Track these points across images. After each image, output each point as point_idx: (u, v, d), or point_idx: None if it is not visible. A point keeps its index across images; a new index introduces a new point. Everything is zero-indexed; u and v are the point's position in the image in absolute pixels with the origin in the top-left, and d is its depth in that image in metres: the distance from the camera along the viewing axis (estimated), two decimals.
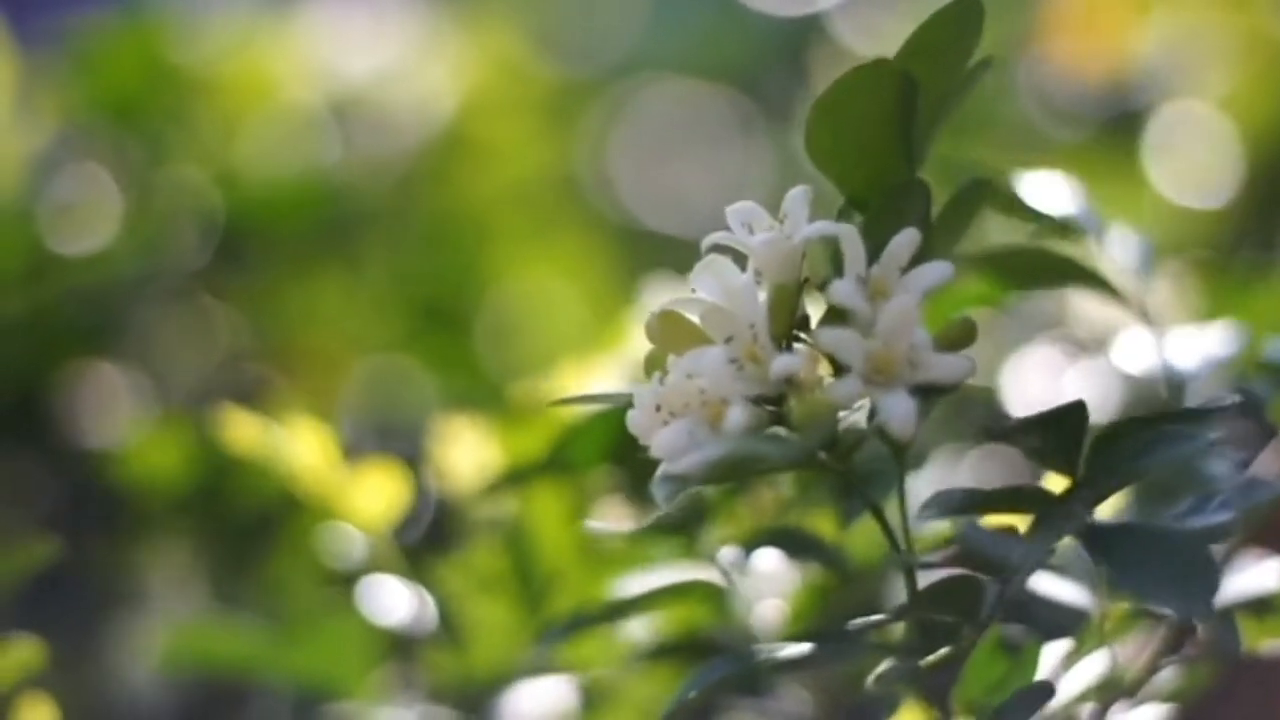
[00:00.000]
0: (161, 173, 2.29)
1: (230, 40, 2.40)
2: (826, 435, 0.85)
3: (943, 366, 0.86)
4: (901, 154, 0.90)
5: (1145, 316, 1.08)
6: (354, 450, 1.40)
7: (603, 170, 2.76)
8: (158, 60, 2.34)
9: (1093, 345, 1.37)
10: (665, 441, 0.86)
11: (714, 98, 2.91)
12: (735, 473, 0.88)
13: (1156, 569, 0.84)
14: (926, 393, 0.86)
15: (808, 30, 2.78)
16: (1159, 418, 0.90)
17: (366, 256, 2.38)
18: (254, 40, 2.41)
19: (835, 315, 0.88)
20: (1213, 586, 0.83)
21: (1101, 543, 0.86)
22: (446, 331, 2.38)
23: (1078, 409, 0.89)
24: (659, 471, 0.86)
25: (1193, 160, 2.24)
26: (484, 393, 2.16)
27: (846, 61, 2.66)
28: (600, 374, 1.31)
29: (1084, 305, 1.52)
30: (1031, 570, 0.89)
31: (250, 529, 1.93)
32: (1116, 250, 1.10)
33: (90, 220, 2.22)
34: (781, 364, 0.86)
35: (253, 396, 2.23)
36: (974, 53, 0.91)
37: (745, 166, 2.85)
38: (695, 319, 0.89)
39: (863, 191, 0.91)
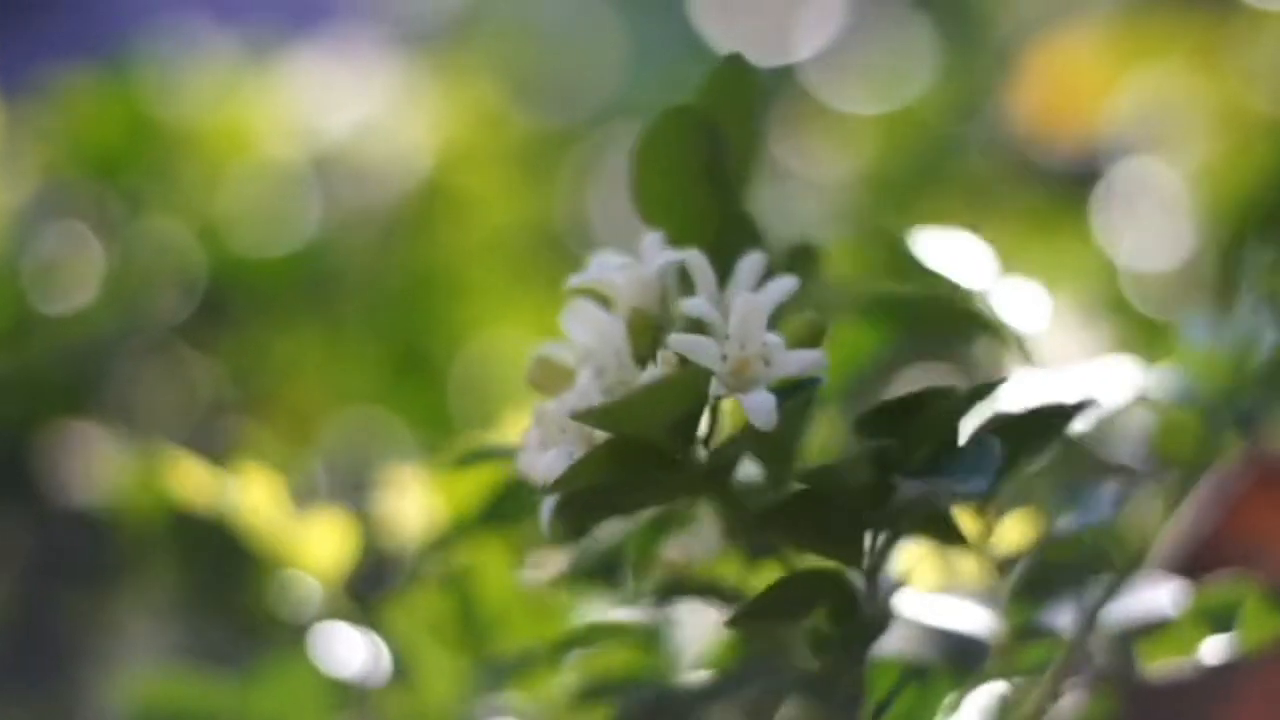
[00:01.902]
0: (143, 227, 2.31)
1: (211, 94, 2.42)
2: (674, 403, 0.88)
3: (795, 361, 0.91)
4: (719, 194, 0.96)
5: (1031, 360, 1.11)
6: (328, 499, 1.42)
7: (580, 218, 2.78)
8: (138, 114, 2.36)
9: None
10: (545, 466, 0.90)
11: None
12: (608, 476, 0.90)
13: (953, 467, 0.91)
14: (788, 390, 0.90)
15: (782, 80, 2.80)
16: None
17: (345, 309, 2.41)
18: (234, 94, 2.43)
19: (691, 327, 0.93)
20: (991, 464, 0.90)
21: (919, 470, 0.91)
22: (422, 383, 2.40)
23: (941, 391, 0.93)
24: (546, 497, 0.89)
25: (1160, 222, 2.25)
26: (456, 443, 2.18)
27: (820, 112, 2.71)
28: None
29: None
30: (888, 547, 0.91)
31: (222, 574, 1.95)
32: (1010, 302, 1.13)
33: (72, 277, 2.24)
34: (644, 377, 0.90)
35: (232, 448, 2.25)
36: (757, 106, 0.97)
37: None
38: (569, 361, 0.94)
39: (688, 234, 0.96)
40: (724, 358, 0.89)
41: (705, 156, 0.93)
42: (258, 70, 2.49)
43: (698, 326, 0.91)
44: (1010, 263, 1.17)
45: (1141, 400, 1.10)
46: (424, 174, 2.52)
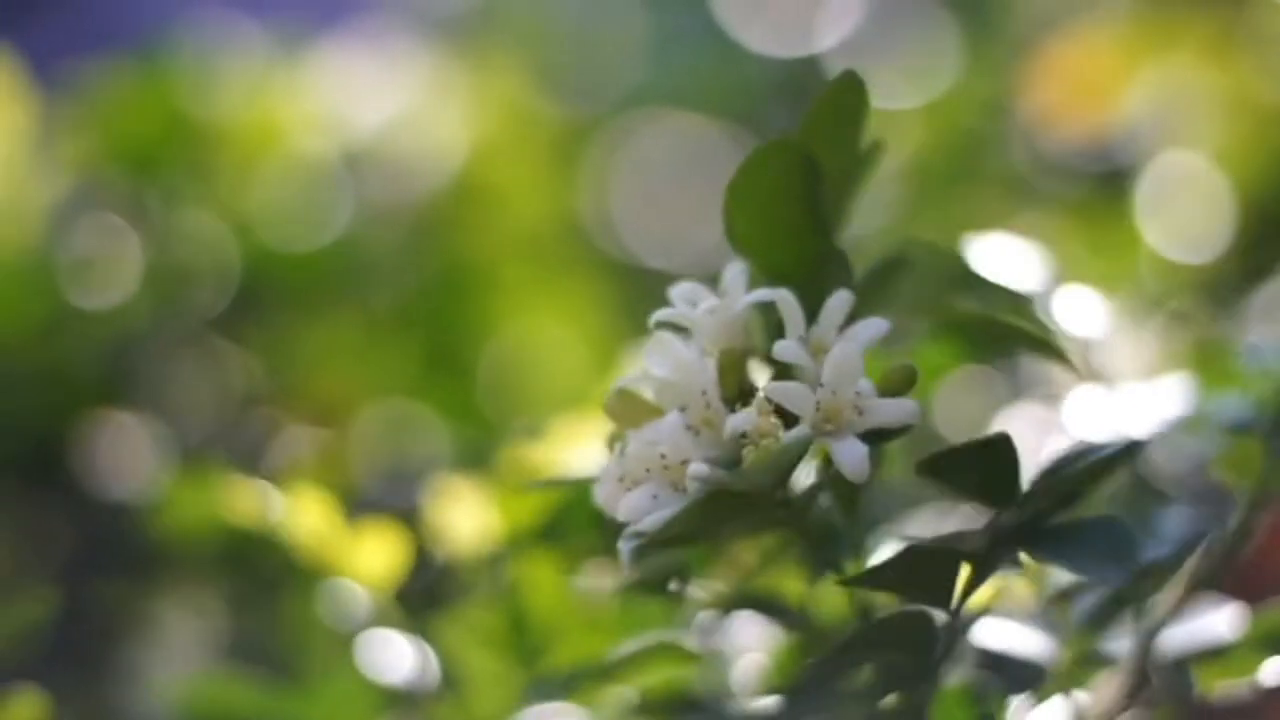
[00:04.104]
0: (177, 222, 2.33)
1: (243, 89, 2.44)
2: (779, 473, 0.89)
3: (888, 411, 0.91)
4: (813, 228, 0.95)
5: (1093, 377, 1.13)
6: (363, 497, 1.44)
7: (606, 208, 2.79)
8: (172, 109, 2.38)
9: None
10: (630, 506, 0.90)
11: (716, 133, 2.94)
12: (698, 527, 0.92)
13: (1083, 547, 0.90)
14: (876, 437, 0.90)
15: (806, 70, 2.81)
16: (1088, 449, 0.94)
17: (377, 303, 2.42)
18: (267, 89, 2.44)
19: (782, 372, 0.93)
20: (1131, 551, 0.89)
21: (1035, 540, 0.92)
22: (452, 375, 2.41)
23: (1004, 440, 0.93)
24: (625, 531, 0.90)
25: (1184, 213, 2.27)
26: (487, 437, 2.20)
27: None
28: (589, 439, 1.36)
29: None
30: (973, 591, 0.93)
31: (265, 580, 1.96)
32: (1069, 314, 1.14)
33: (108, 271, 2.26)
34: (735, 422, 0.90)
35: (266, 440, 2.28)
36: (864, 130, 0.96)
37: None
38: (650, 395, 0.94)
39: (780, 267, 0.96)
40: (816, 404, 0.89)
41: (802, 191, 0.92)
42: (289, 65, 2.50)
43: (789, 371, 0.91)
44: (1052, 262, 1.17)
45: (1203, 423, 1.11)
46: (454, 168, 2.53)
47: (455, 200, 2.51)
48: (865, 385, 0.91)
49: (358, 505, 1.41)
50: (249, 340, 2.34)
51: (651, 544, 0.89)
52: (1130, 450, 0.92)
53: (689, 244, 2.80)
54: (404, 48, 2.72)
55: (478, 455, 2.03)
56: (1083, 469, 0.92)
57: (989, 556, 0.91)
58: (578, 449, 1.35)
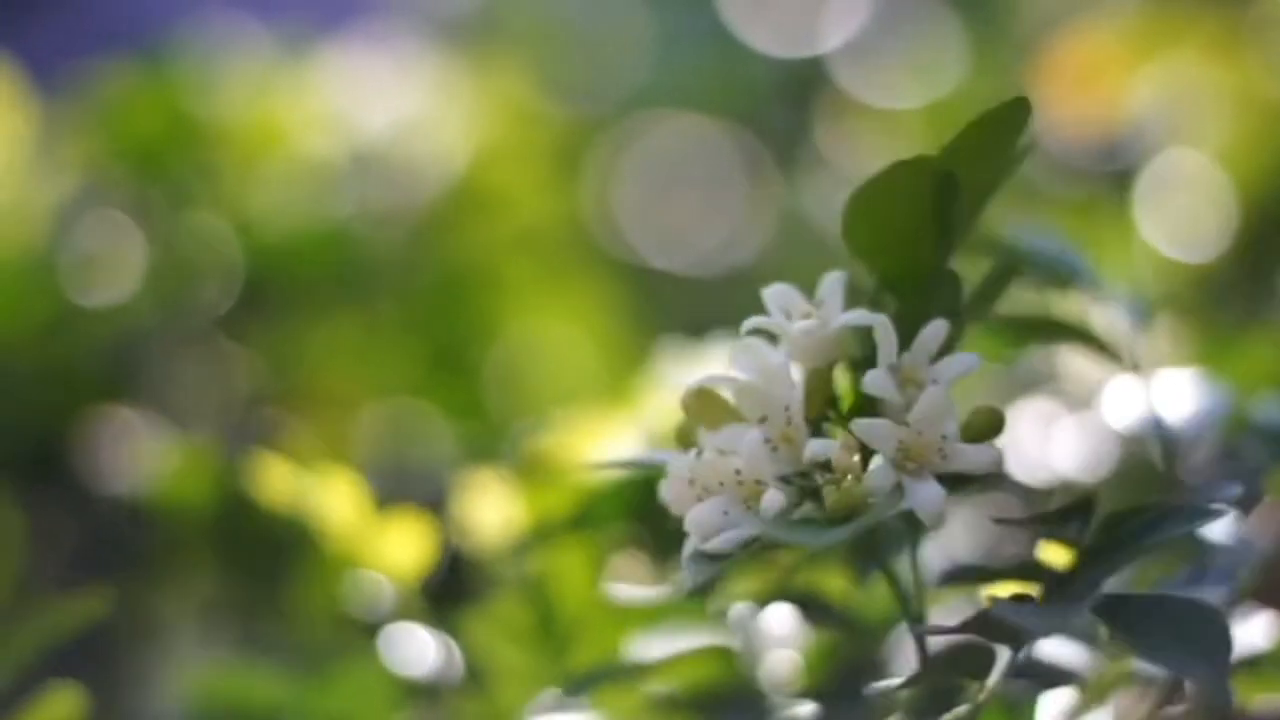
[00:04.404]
0: (182, 221, 2.32)
1: (248, 89, 2.43)
2: (860, 527, 0.87)
3: (971, 457, 0.90)
4: (936, 246, 0.94)
5: (1137, 372, 1.12)
6: (382, 487, 1.44)
7: (610, 209, 2.79)
8: (177, 109, 2.37)
9: (1085, 400, 1.40)
10: (700, 518, 0.89)
11: (719, 133, 2.94)
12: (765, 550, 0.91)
13: (1170, 635, 0.87)
14: (954, 481, 0.89)
15: (810, 71, 2.82)
16: (1164, 501, 0.93)
17: (381, 302, 2.42)
18: (271, 90, 2.44)
19: (869, 402, 0.91)
20: (1226, 648, 0.87)
21: (1114, 612, 0.89)
22: (457, 375, 2.41)
23: (1089, 500, 0.93)
24: (690, 548, 0.89)
25: (1186, 211, 2.27)
26: (492, 436, 2.20)
27: (848, 105, 2.72)
28: (616, 433, 1.35)
29: (1075, 360, 1.55)
30: (1044, 638, 0.93)
31: (272, 569, 1.96)
32: (1111, 305, 1.14)
33: (112, 270, 2.25)
34: (816, 448, 0.89)
35: (270, 439, 2.27)
36: (1013, 154, 0.94)
37: (751, 202, 2.89)
38: (729, 396, 0.92)
39: (896, 280, 0.95)
40: (899, 443, 0.88)
41: (934, 208, 0.91)
42: (294, 66, 2.50)
43: (875, 403, 0.90)
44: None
45: (1243, 425, 1.11)
46: (458, 169, 2.53)
47: (460, 200, 2.51)
48: (951, 429, 0.89)
49: (375, 494, 1.40)
50: (253, 339, 2.34)
51: (713, 561, 0.88)
52: (1209, 517, 0.90)
53: (693, 244, 2.81)
54: (409, 49, 2.72)
55: (482, 454, 2.03)
56: (1156, 536, 0.91)
57: (1061, 621, 0.90)
58: (604, 441, 1.35)
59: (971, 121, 0.92)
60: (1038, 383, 1.63)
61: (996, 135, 0.93)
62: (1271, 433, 1.11)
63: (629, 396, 1.42)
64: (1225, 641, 0.87)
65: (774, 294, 0.95)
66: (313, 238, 2.36)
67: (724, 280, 2.80)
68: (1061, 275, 1.09)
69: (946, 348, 0.93)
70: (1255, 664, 1.04)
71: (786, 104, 2.89)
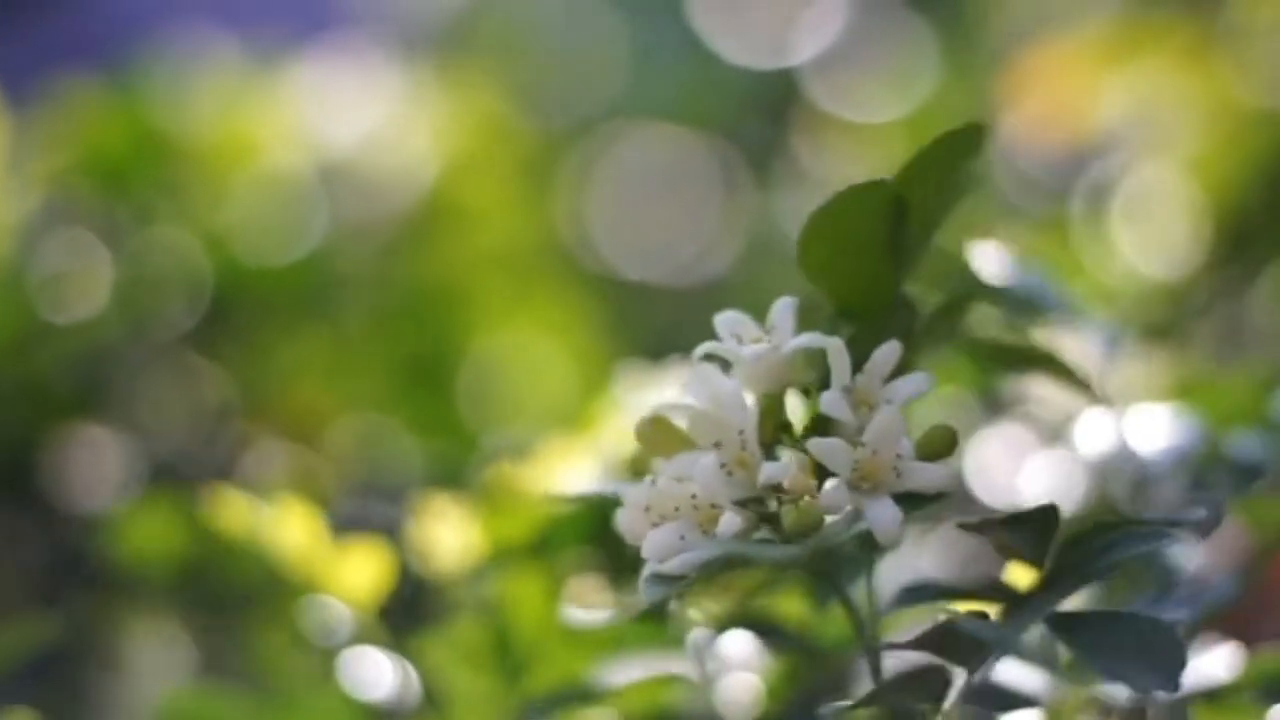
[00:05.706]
0: (150, 237, 2.31)
1: (216, 104, 2.43)
2: (818, 544, 0.88)
3: (926, 475, 0.90)
4: (891, 270, 0.94)
5: (1106, 402, 1.11)
6: (341, 513, 1.43)
7: (584, 221, 2.79)
8: (145, 125, 2.37)
9: (1054, 427, 1.40)
10: (656, 543, 0.89)
11: (692, 145, 2.94)
12: (722, 573, 0.91)
13: (1124, 651, 0.88)
14: (912, 500, 0.89)
15: (782, 83, 2.82)
16: (1125, 520, 0.93)
17: (351, 317, 2.41)
18: (240, 103, 2.43)
19: (822, 424, 0.91)
20: (1180, 664, 0.87)
21: (1070, 629, 0.90)
22: (427, 390, 2.41)
23: (1049, 510, 0.92)
24: (647, 571, 0.89)
25: (1159, 222, 2.26)
26: (463, 452, 2.19)
27: (820, 117, 2.72)
28: (578, 459, 1.34)
29: (1045, 386, 1.55)
30: (1000, 657, 0.92)
31: (237, 599, 1.95)
32: (1083, 333, 1.13)
33: (80, 286, 2.24)
34: (770, 471, 0.89)
35: (239, 455, 2.26)
36: (966, 178, 0.94)
37: (723, 213, 2.88)
38: (682, 424, 0.92)
39: (851, 303, 0.95)
40: (854, 463, 0.89)
41: (886, 233, 0.92)
42: (264, 79, 2.49)
43: (829, 425, 0.90)
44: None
45: (1216, 459, 1.10)
46: (428, 183, 2.52)
47: (431, 214, 2.51)
48: (906, 446, 0.90)
49: (333, 521, 1.40)
50: (222, 355, 2.33)
51: (670, 582, 0.87)
52: (1168, 537, 0.90)
53: (667, 256, 2.80)
54: (380, 61, 2.71)
55: (453, 470, 2.03)
56: (1116, 555, 0.90)
57: (1017, 634, 0.90)
58: (564, 468, 1.34)
59: (925, 145, 0.92)
60: (1007, 407, 1.62)
61: (951, 159, 0.93)
62: (1240, 466, 1.11)
63: (589, 422, 1.41)
64: (1180, 657, 0.87)
65: (724, 320, 0.95)
66: (282, 252, 2.35)
67: (698, 291, 2.80)
68: (1030, 307, 1.09)
69: (900, 370, 0.93)
70: (1215, 696, 1.03)
71: (760, 116, 2.89)
